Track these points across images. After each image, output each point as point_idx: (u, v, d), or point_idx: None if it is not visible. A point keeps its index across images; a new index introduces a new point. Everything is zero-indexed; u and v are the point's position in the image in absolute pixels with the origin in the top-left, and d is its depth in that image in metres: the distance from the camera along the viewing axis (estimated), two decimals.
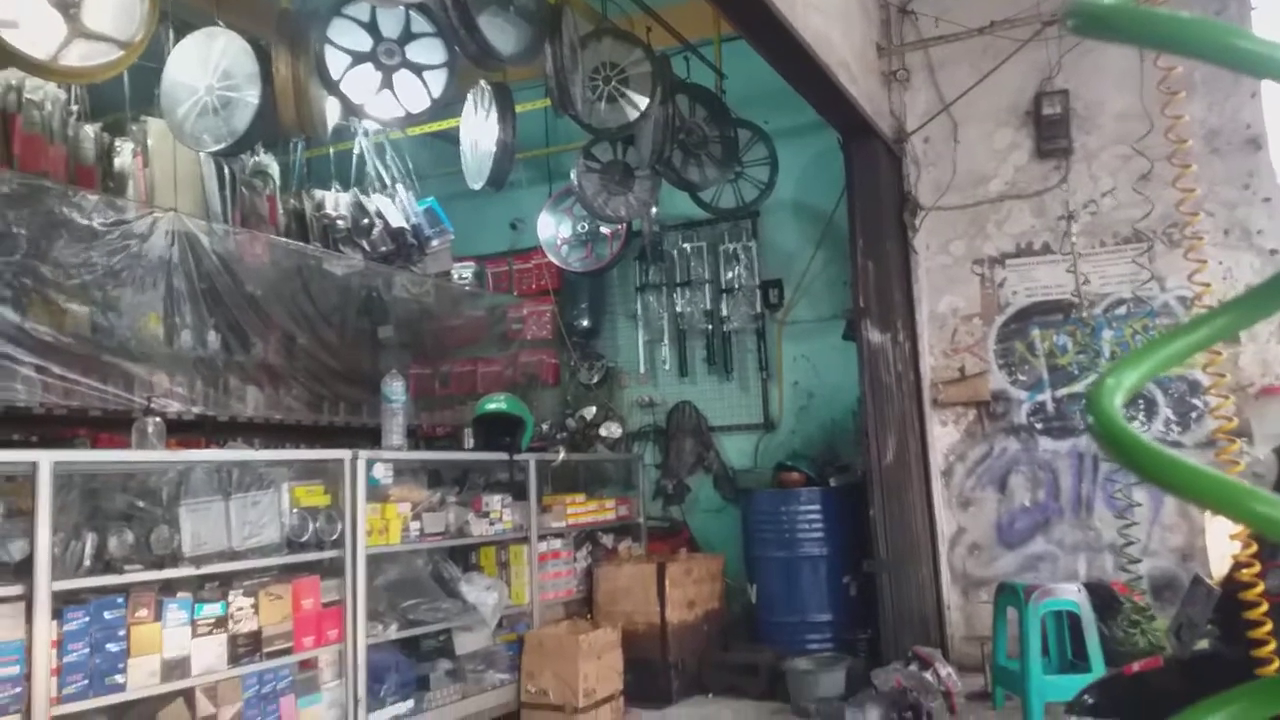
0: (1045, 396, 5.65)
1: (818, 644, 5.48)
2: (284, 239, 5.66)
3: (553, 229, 6.77)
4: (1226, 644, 2.06)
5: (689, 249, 6.85)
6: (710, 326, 6.79)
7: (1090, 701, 2.35)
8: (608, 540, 5.95)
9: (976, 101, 5.85)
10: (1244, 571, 1.99)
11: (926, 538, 5.63)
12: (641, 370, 6.96)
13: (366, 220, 5.83)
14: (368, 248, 5.85)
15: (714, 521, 6.61)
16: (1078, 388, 5.55)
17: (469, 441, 5.41)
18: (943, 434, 5.82)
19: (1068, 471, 5.54)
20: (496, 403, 5.35)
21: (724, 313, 6.74)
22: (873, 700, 4.45)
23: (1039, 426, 5.64)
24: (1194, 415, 5.31)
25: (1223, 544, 2.08)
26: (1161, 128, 1.80)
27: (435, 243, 6.06)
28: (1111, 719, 2.33)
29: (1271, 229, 5.33)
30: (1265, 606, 1.93)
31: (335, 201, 5.92)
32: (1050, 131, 5.73)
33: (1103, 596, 4.79)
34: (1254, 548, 1.99)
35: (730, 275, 6.75)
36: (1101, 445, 0.95)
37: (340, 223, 5.83)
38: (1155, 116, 5.23)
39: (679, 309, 6.85)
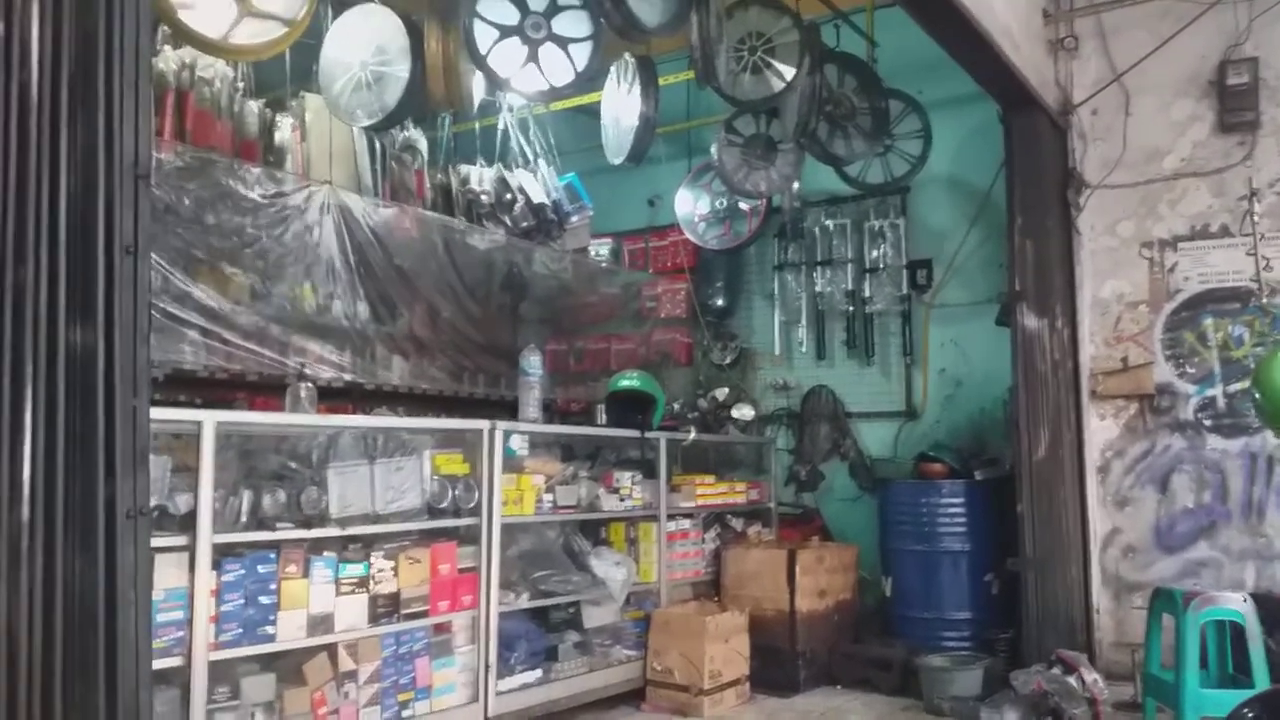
0: (1216, 391, 5.24)
1: (954, 642, 5.27)
2: (431, 213, 5.80)
3: (690, 205, 6.69)
4: None
5: (831, 226, 6.65)
6: (851, 308, 6.58)
7: (1251, 715, 2.15)
8: (737, 523, 5.89)
9: (1152, 71, 5.44)
10: None
11: (1077, 537, 5.32)
12: (777, 352, 6.81)
13: (509, 195, 5.92)
14: (510, 223, 5.94)
15: (848, 511, 6.43)
16: (1247, 383, 5.11)
17: (601, 418, 5.44)
18: (1100, 428, 5.48)
19: (1238, 473, 5.13)
20: (629, 380, 5.35)
21: (866, 293, 6.51)
22: (1011, 702, 4.25)
23: (1208, 423, 5.24)
24: None
25: None
26: None
27: (574, 219, 6.09)
28: None
29: None
30: None
31: (479, 176, 6.03)
32: (1235, 103, 5.28)
33: (1271, 609, 4.42)
34: None
35: (875, 254, 6.51)
36: (1265, 419, 0.86)
37: (484, 197, 5.94)
38: None
39: (818, 289, 6.66)
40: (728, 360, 6.96)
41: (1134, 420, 5.42)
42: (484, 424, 4.29)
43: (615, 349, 6.98)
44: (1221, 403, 5.24)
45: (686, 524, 5.41)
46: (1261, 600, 4.47)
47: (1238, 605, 4.29)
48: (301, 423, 3.94)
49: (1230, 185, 5.31)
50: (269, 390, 4.71)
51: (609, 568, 4.74)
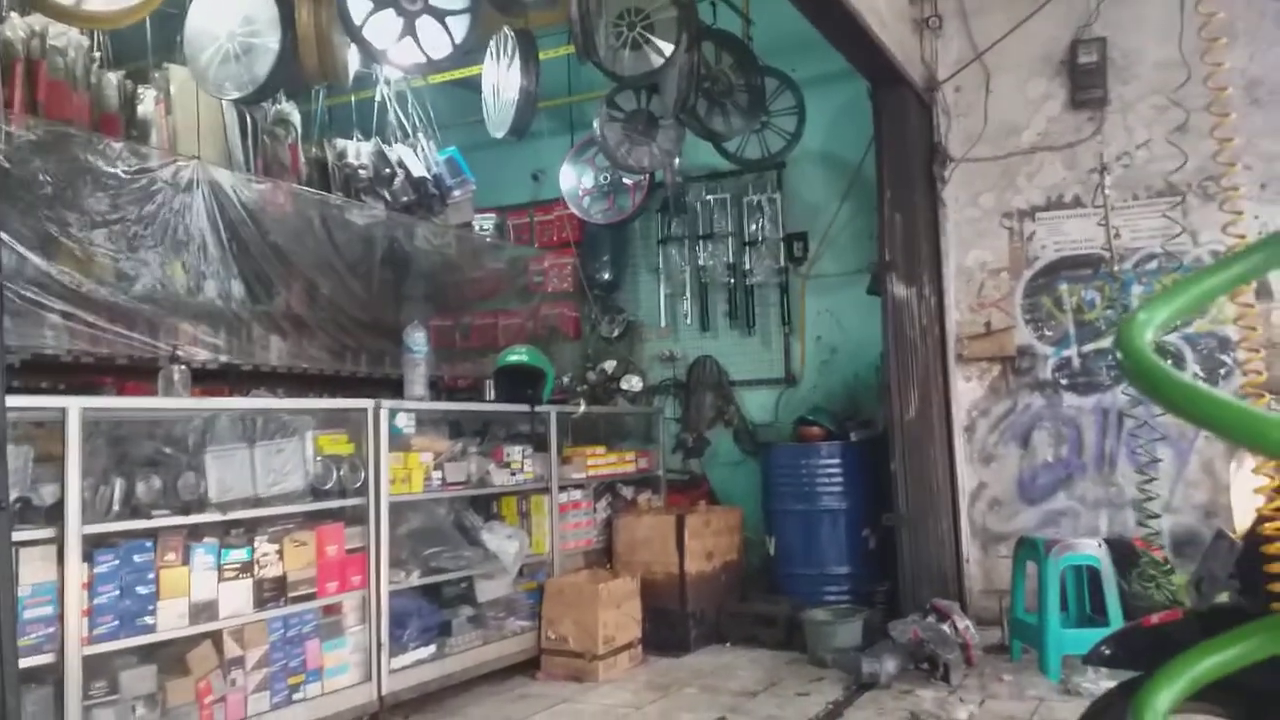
0: (1071, 352, 5.58)
1: (835, 596, 5.51)
2: (306, 188, 5.65)
3: (574, 180, 6.72)
4: (1246, 597, 2.04)
5: (712, 201, 6.79)
6: (732, 280, 6.74)
7: (1108, 652, 2.34)
8: (627, 492, 6.00)
9: (1010, 50, 5.72)
10: (1268, 525, 1.96)
11: (947, 493, 5.61)
12: (663, 324, 6.94)
13: (388, 170, 5.82)
14: (389, 198, 5.84)
15: (733, 475, 6.62)
16: (1105, 343, 5.48)
17: (490, 393, 5.44)
18: (966, 389, 5.78)
19: (1091, 427, 5.49)
20: (518, 355, 5.36)
21: (747, 266, 6.69)
22: (890, 651, 4.48)
23: (1064, 382, 5.59)
24: (1223, 371, 5.24)
25: (1247, 499, 2.05)
26: (1200, 76, 1.74)
27: (457, 193, 6.04)
28: (1128, 669, 2.33)
29: None
30: None
31: (357, 151, 5.90)
32: (1085, 81, 5.60)
33: (1122, 552, 4.77)
34: (1277, 502, 1.96)
35: (754, 228, 6.68)
36: (1129, 378, 0.95)
37: (362, 172, 5.82)
38: (1194, 65, 5.09)
39: (701, 262, 6.80)
40: (615, 333, 7.04)
41: (997, 381, 5.74)
42: (368, 403, 4.24)
43: (503, 324, 6.96)
44: (1076, 362, 5.59)
45: (578, 494, 5.48)
46: (1114, 545, 4.83)
47: (1093, 550, 4.63)
48: (175, 407, 3.81)
49: (1082, 159, 5.64)
50: (140, 374, 4.54)
51: (501, 541, 4.76)
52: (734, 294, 6.76)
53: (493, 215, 6.97)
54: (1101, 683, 3.66)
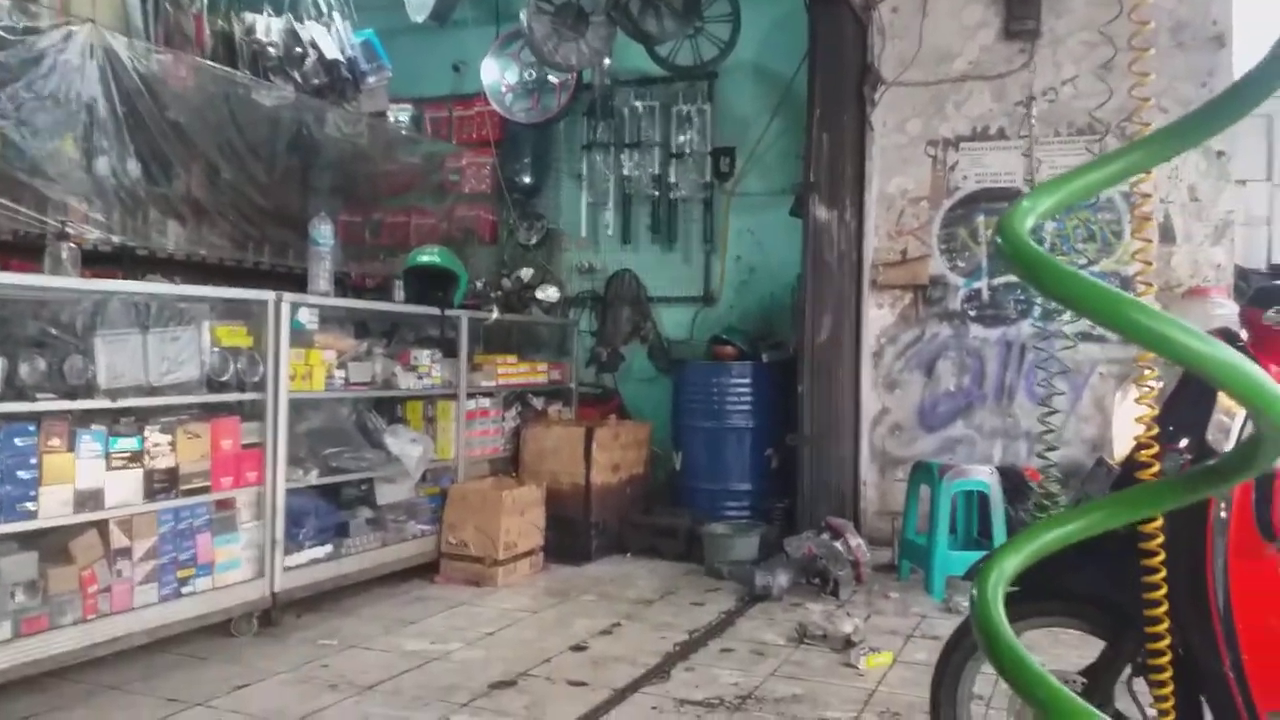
0: (982, 284, 5.68)
1: (736, 512, 5.61)
2: (210, 63, 5.31)
3: (497, 74, 6.47)
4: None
5: (641, 108, 6.61)
6: (657, 193, 6.63)
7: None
8: (538, 403, 5.96)
9: None
10: (1143, 453, 2.03)
11: (851, 416, 5.73)
12: (583, 234, 6.81)
13: (299, 49, 5.49)
14: (300, 79, 5.53)
15: (646, 390, 6.63)
16: (1014, 278, 5.58)
17: (399, 294, 5.29)
18: (878, 316, 5.86)
19: (994, 359, 5.63)
20: (429, 255, 5.21)
21: (672, 179, 6.57)
22: (783, 565, 4.60)
23: (972, 313, 5.70)
24: None
25: (1127, 428, 2.11)
26: (1130, 11, 1.73)
27: (372, 79, 5.75)
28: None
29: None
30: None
31: (267, 27, 5.55)
32: (1020, 11, 5.58)
33: (1014, 480, 4.96)
34: (1155, 430, 2.02)
35: (682, 139, 6.55)
36: (1007, 258, 1.02)
37: (271, 50, 5.48)
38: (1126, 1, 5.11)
39: (626, 172, 6.65)
40: (533, 240, 6.90)
41: (908, 309, 5.82)
42: (269, 295, 4.08)
43: (415, 223, 6.74)
44: (986, 295, 5.69)
45: (487, 402, 5.42)
46: (1005, 473, 5.02)
47: (985, 477, 4.79)
48: (63, 286, 3.60)
49: (1010, 90, 5.66)
50: (25, 251, 4.27)
51: (405, 445, 4.69)
52: (658, 207, 6.66)
53: (409, 107, 6.68)
54: None
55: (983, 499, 4.82)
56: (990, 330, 5.67)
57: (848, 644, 3.75)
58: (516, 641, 3.85)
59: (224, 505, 3.92)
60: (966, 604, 4.22)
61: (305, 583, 4.16)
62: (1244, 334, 2.21)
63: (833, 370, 5.54)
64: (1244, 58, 5.49)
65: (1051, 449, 4.87)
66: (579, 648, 3.77)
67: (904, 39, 5.82)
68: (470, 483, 5.08)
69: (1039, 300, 5.53)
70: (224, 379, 3.89)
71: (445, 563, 4.80)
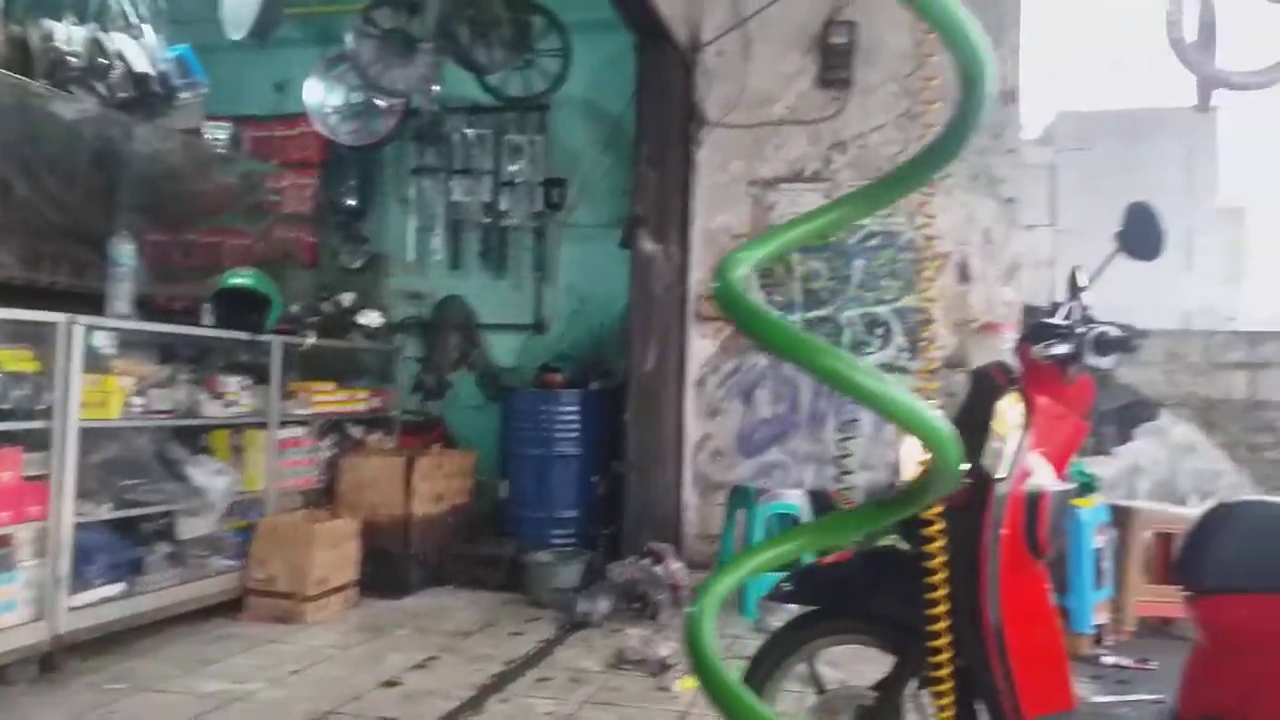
0: (796, 317, 5.93)
1: (562, 539, 5.61)
2: (4, 71, 4.93)
3: (322, 95, 6.29)
4: (906, 542, 2.25)
5: (472, 135, 6.59)
6: (488, 220, 6.60)
7: (787, 589, 2.53)
8: (357, 432, 5.79)
9: (772, 21, 5.92)
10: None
11: (675, 443, 5.84)
12: (410, 259, 6.70)
13: (104, 60, 5.17)
14: (105, 92, 5.21)
15: (473, 418, 6.55)
16: (826, 312, 5.87)
17: (208, 318, 5.03)
18: (701, 346, 6.02)
19: (807, 388, 5.87)
20: (242, 278, 4.99)
21: (503, 207, 6.57)
22: (605, 592, 4.62)
23: None
24: (922, 344, 5.74)
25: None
26: (928, 67, 1.88)
27: (185, 95, 5.46)
28: (805, 604, 2.52)
29: (1012, 179, 5.78)
30: (939, 510, 2.12)
31: (68, 35, 5.20)
32: (834, 61, 5.90)
33: (822, 503, 5.17)
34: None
35: (513, 168, 6.57)
36: (719, 302, 1.12)
37: (73, 60, 5.13)
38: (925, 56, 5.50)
39: (455, 198, 6.60)
40: (357, 264, 6.72)
41: (729, 340, 6.00)
42: (60, 317, 3.81)
43: (229, 244, 6.43)
44: (800, 326, 5.95)
45: (301, 431, 5.22)
46: (815, 495, 5.23)
47: (796, 499, 4.98)
48: None
49: (823, 135, 5.97)
50: None
51: (209, 476, 4.45)
52: (488, 234, 6.63)
53: (228, 124, 6.39)
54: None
55: (795, 521, 5.00)
56: None
57: (663, 668, 3.80)
58: (324, 679, 3.70)
59: (1, 542, 3.60)
60: (776, 624, 4.38)
61: (94, 623, 3.86)
62: (1018, 367, 2.40)
63: (658, 398, 5.65)
64: (1030, 113, 6.03)
65: (848, 472, 5.12)
66: (391, 684, 3.66)
67: (728, 82, 6.05)
68: (281, 515, 4.86)
69: (848, 333, 5.84)
70: (3, 406, 3.59)
71: (251, 599, 4.56)
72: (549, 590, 4.88)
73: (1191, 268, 6.60)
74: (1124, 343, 2.23)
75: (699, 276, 6.03)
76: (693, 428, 5.96)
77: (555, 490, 5.72)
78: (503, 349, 6.67)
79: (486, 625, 4.56)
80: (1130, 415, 5.97)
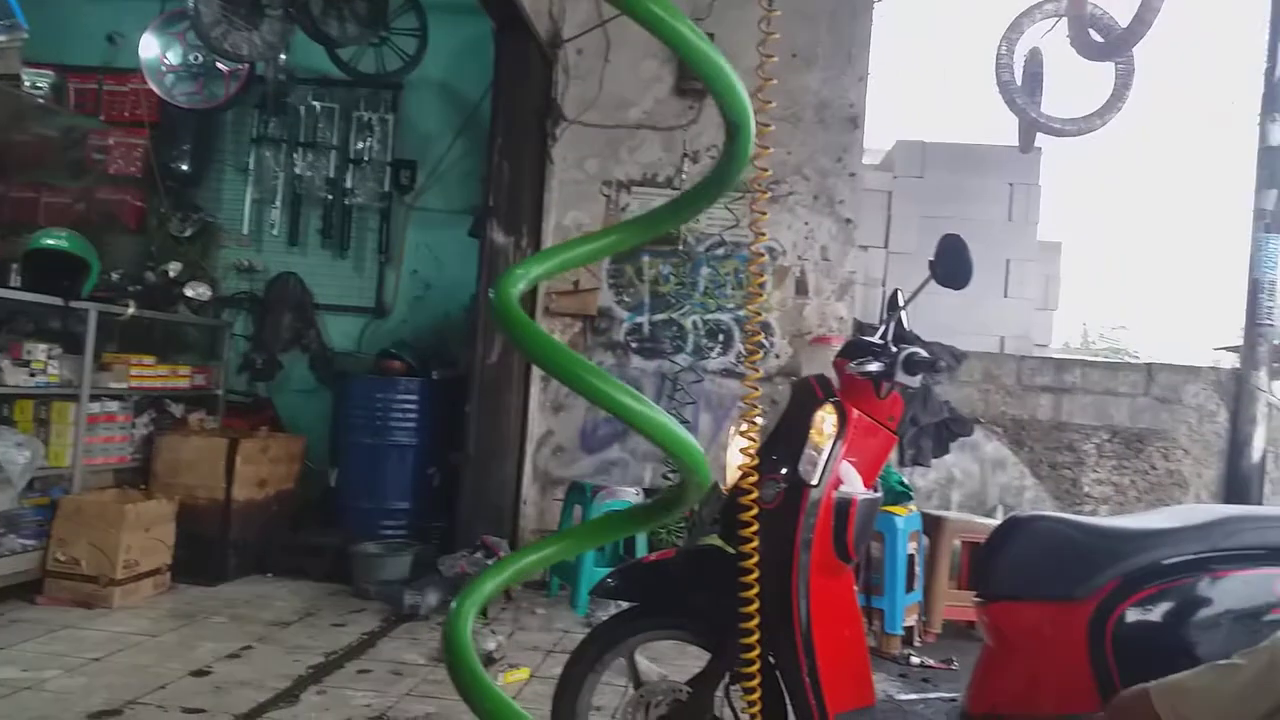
0: (644, 319, 6.02)
1: (393, 531, 5.50)
2: None
3: (157, 52, 5.92)
4: (726, 540, 2.33)
5: (319, 108, 6.35)
6: (331, 197, 6.39)
7: (611, 584, 2.58)
8: (177, 409, 5.49)
9: (631, 24, 5.89)
10: (745, 480, 2.26)
11: (517, 437, 5.83)
12: (245, 231, 6.40)
13: None
14: None
15: (304, 402, 6.33)
16: (672, 315, 5.99)
17: (16, 279, 4.66)
18: None
19: (651, 388, 5.98)
20: (56, 239, 4.66)
21: (348, 185, 6.38)
22: (434, 584, 4.57)
23: (634, 345, 6.03)
24: (761, 353, 5.96)
25: (735, 458, 2.34)
26: (775, 89, 1.94)
27: (1, 38, 5.05)
28: (629, 599, 2.58)
29: (851, 201, 6.05)
30: (755, 511, 2.21)
31: None
32: (691, 71, 5.99)
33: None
34: (756, 461, 2.27)
35: (361, 146, 6.38)
36: (494, 313, 1.21)
37: None
38: (774, 74, 5.68)
39: (298, 171, 6.36)
40: (187, 233, 6.35)
41: (578, 337, 6.04)
42: None
43: (46, 201, 5.95)
44: (647, 329, 6.04)
45: (115, 406, 4.91)
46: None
47: (631, 497, 5.06)
48: None
49: (676, 142, 6.07)
50: None
51: (8, 449, 4.13)
52: (330, 212, 6.42)
53: (50, 73, 5.95)
54: None
55: None
56: (649, 362, 6.02)
57: (489, 661, 3.79)
58: (128, 667, 3.50)
59: None
60: (606, 618, 4.45)
61: None
62: (835, 380, 2.53)
63: (501, 391, 5.62)
64: (872, 136, 6.33)
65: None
66: (201, 673, 3.50)
67: (586, 81, 6.07)
68: (88, 494, 4.57)
69: (691, 338, 5.98)
70: None
71: (50, 582, 4.26)
72: (376, 582, 4.78)
73: (1010, 296, 7.07)
74: (931, 364, 2.38)
75: None
76: (536, 422, 5.95)
77: (388, 480, 5.59)
78: (340, 332, 6.47)
79: (307, 615, 4.42)
80: (948, 431, 6.35)
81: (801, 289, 6.00)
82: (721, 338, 5.94)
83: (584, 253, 1.32)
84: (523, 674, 3.68)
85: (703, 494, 1.35)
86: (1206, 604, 2.18)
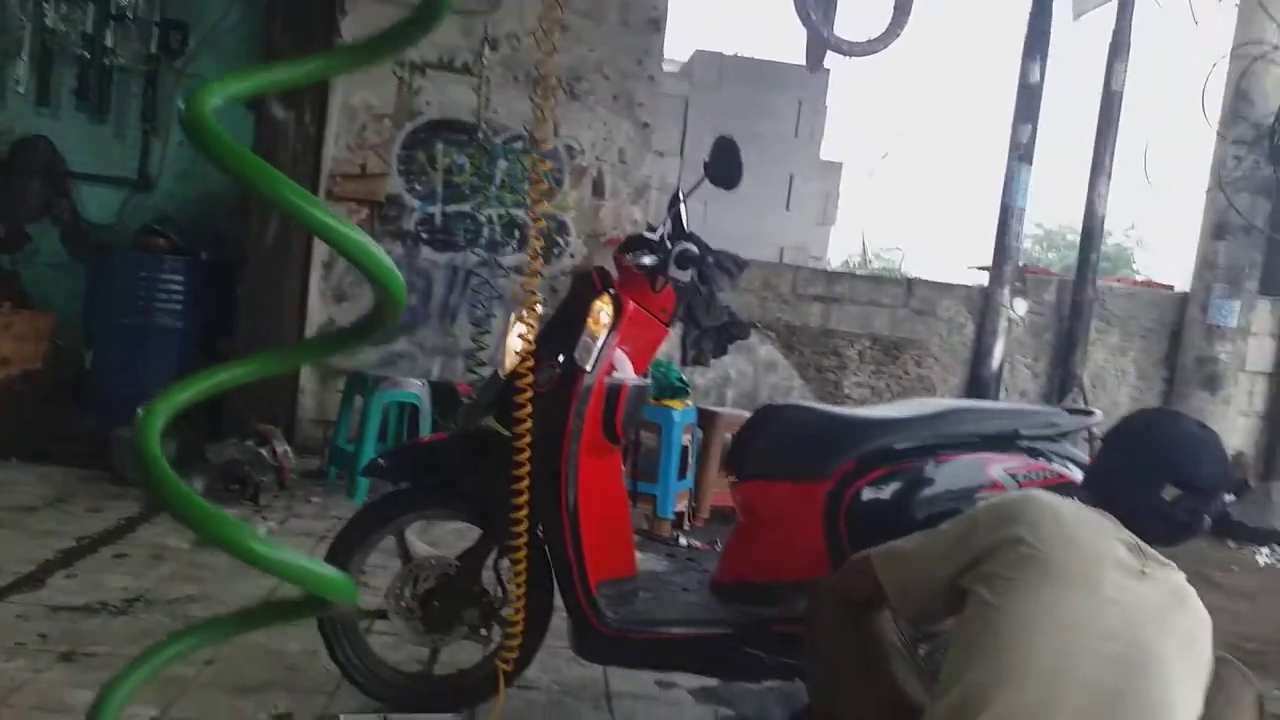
0: (436, 209, 5.90)
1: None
2: None
3: None
4: (501, 423, 2.39)
5: None
6: (88, 55, 5.78)
7: (383, 464, 2.59)
8: None
9: None
10: (523, 365, 2.32)
11: (295, 324, 5.61)
12: None
13: None
14: None
15: (56, 278, 5.78)
16: (466, 208, 5.89)
17: None
18: None
19: (441, 282, 5.90)
20: None
21: (109, 43, 5.78)
22: (201, 471, 4.40)
23: (424, 236, 5.90)
24: (556, 251, 5.97)
25: (514, 345, 2.39)
26: None
27: None
28: (399, 480, 2.60)
29: (650, 106, 6.11)
30: (531, 394, 2.28)
31: None
32: None
33: (446, 394, 5.28)
34: (534, 348, 2.33)
35: (125, 2, 5.77)
36: (184, 127, 1.16)
37: None
38: None
39: (49, 24, 5.69)
40: None
41: (364, 223, 5.82)
42: None
43: None
44: (439, 220, 5.92)
45: None
46: (438, 387, 5.32)
47: (416, 389, 5.03)
48: None
49: (477, 29, 5.88)
50: None
51: None
52: (87, 72, 5.80)
53: None
54: None
55: (414, 410, 5.06)
56: (440, 254, 5.92)
57: None
58: None
59: None
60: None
61: None
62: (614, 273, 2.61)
63: (278, 275, 5.39)
64: (673, 45, 6.39)
65: (481, 364, 5.27)
66: None
67: None
68: None
69: (486, 232, 5.92)
70: None
71: None
72: (135, 467, 4.52)
73: (791, 210, 7.42)
74: (701, 259, 2.50)
75: (335, 154, 5.77)
76: (317, 310, 5.75)
77: (151, 364, 5.26)
78: (97, 204, 5.94)
79: (58, 501, 4.16)
80: (726, 333, 6.66)
81: (598, 190, 6.05)
82: (518, 234, 5.92)
83: (289, 75, 1.34)
84: None
85: (397, 318, 1.36)
86: (930, 484, 2.44)
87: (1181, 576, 1.61)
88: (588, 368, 2.41)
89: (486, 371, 5.72)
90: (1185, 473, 1.66)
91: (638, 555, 2.77)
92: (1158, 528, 1.66)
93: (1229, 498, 7.29)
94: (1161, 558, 1.62)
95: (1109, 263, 17.72)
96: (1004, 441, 2.49)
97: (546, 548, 2.45)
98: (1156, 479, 1.67)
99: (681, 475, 4.77)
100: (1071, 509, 1.65)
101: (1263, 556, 6.07)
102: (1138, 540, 1.61)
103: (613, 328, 2.45)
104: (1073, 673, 1.47)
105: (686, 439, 4.83)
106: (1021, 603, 1.53)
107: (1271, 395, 7.15)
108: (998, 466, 2.41)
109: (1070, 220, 6.41)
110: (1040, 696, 1.47)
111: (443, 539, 2.93)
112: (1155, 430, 1.80)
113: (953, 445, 2.49)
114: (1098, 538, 1.59)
